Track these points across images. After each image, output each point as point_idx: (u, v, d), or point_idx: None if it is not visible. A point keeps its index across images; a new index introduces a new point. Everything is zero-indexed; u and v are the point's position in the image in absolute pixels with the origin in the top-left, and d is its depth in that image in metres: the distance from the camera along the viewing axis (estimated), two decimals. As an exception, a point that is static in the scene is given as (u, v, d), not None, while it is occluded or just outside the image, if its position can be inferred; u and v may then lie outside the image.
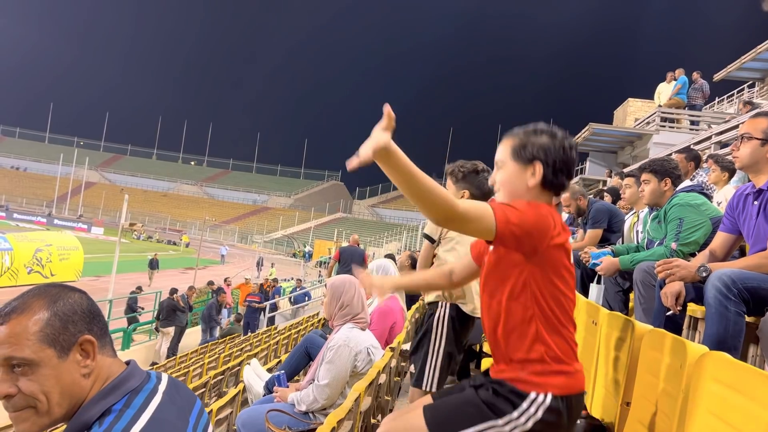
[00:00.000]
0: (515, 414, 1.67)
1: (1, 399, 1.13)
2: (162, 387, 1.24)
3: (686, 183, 3.70)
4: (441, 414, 1.79)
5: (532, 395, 1.67)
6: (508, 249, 1.66)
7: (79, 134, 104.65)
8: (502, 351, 1.76)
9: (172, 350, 14.43)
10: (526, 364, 1.69)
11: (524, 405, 1.67)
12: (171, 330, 14.61)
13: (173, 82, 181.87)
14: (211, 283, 18.13)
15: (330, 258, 33.68)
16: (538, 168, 1.77)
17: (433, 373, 2.70)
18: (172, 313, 14.60)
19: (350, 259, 9.34)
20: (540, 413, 1.66)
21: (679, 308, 2.57)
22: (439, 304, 2.78)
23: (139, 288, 16.96)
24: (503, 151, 1.84)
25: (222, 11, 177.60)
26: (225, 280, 18.27)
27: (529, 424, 1.66)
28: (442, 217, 1.57)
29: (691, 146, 11.85)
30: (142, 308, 15.93)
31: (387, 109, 1.48)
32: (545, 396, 1.66)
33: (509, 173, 1.82)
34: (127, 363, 1.28)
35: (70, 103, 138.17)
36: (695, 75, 15.99)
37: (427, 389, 2.63)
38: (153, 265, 26.19)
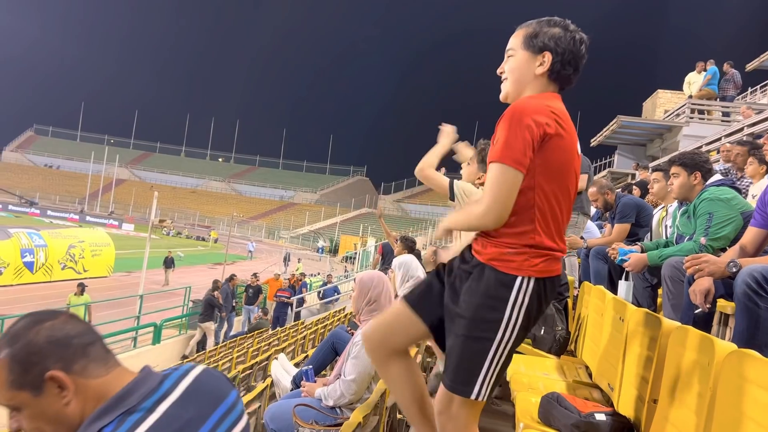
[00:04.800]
0: (507, 312, 1.74)
1: None
2: (172, 397, 1.21)
3: (716, 177, 3.63)
4: (455, 372, 1.81)
5: (518, 282, 1.74)
6: None
7: (109, 133, 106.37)
8: (491, 232, 1.82)
9: (202, 345, 14.68)
10: (512, 242, 1.77)
11: (511, 298, 1.74)
12: (210, 325, 14.89)
13: (201, 81, 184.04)
14: (254, 275, 18.24)
15: (355, 253, 33.87)
16: (548, 57, 1.82)
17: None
18: (209, 308, 14.89)
19: (387, 255, 9.81)
20: (527, 301, 1.74)
21: (708, 306, 2.54)
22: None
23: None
24: (515, 40, 1.89)
25: (243, 11, 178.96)
26: (254, 275, 18.46)
27: (523, 314, 1.74)
28: (490, 223, 1.75)
29: (723, 137, 11.61)
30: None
31: None
32: (528, 280, 1.75)
33: (518, 61, 1.87)
34: (142, 369, 1.27)
35: (100, 103, 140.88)
36: (726, 66, 15.62)
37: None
38: (168, 263, 25.34)
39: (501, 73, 1.91)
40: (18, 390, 1.15)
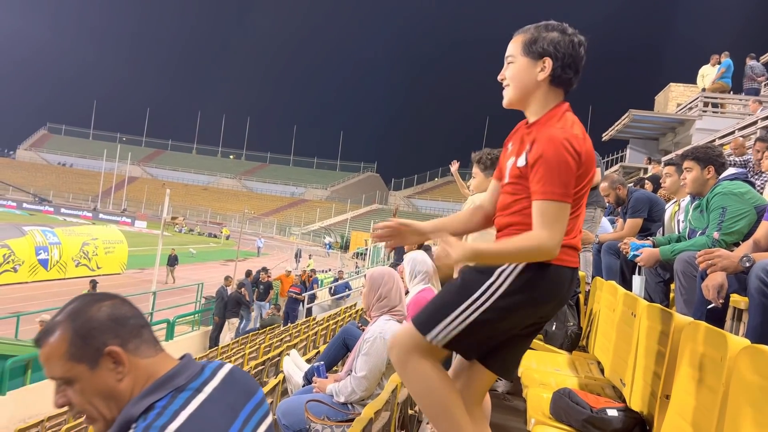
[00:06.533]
0: (492, 278, 1.80)
1: (59, 408, 1.21)
2: (214, 383, 1.27)
3: (730, 171, 3.60)
4: (425, 310, 1.90)
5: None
6: None
7: (121, 131, 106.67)
8: (504, 225, 1.92)
9: (215, 341, 14.79)
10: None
11: (501, 267, 1.80)
12: (234, 321, 15.39)
13: (211, 79, 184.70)
14: (266, 271, 18.43)
15: (366, 249, 33.90)
16: (548, 63, 1.84)
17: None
18: (236, 305, 15.35)
19: (399, 251, 10.10)
20: (516, 272, 1.79)
21: (721, 301, 2.52)
22: None
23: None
24: (514, 46, 1.91)
25: (255, 10, 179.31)
26: (265, 272, 18.55)
27: (507, 282, 1.79)
28: (551, 255, 1.75)
29: (737, 131, 11.49)
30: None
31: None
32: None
33: (519, 68, 1.89)
34: (183, 357, 1.32)
35: (112, 102, 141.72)
36: (748, 59, 15.36)
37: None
38: (172, 261, 24.85)
39: (502, 79, 1.93)
40: (76, 362, 1.20)
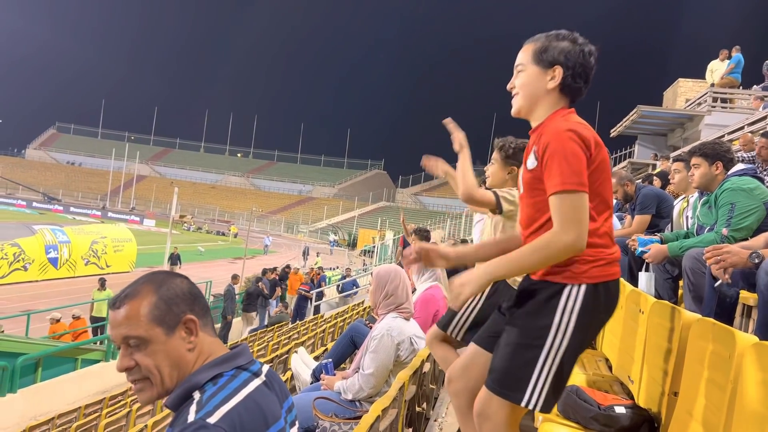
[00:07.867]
0: (556, 318, 1.76)
1: (123, 371, 1.30)
2: (264, 370, 1.37)
3: (738, 166, 3.57)
4: (502, 379, 1.81)
5: (567, 289, 1.76)
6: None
7: (129, 129, 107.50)
8: None
9: (223, 339, 14.87)
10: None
11: (560, 305, 1.75)
12: (253, 315, 15.75)
13: (219, 77, 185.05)
14: (273, 270, 18.61)
15: (373, 247, 33.94)
16: (559, 72, 1.82)
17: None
18: (255, 298, 15.77)
19: (407, 248, 10.17)
20: (578, 306, 1.75)
21: (727, 276, 2.48)
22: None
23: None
24: (524, 55, 1.90)
25: (262, 8, 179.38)
26: (272, 270, 18.59)
27: (575, 316, 1.75)
28: (577, 249, 1.69)
29: (746, 127, 11.40)
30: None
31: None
32: (579, 287, 1.76)
33: (529, 76, 1.87)
34: (235, 346, 1.40)
35: (120, 100, 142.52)
36: None
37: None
38: (174, 260, 24.21)
39: (511, 88, 1.92)
40: (156, 325, 1.28)
